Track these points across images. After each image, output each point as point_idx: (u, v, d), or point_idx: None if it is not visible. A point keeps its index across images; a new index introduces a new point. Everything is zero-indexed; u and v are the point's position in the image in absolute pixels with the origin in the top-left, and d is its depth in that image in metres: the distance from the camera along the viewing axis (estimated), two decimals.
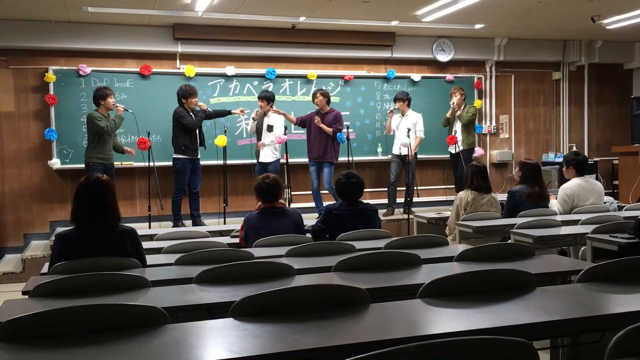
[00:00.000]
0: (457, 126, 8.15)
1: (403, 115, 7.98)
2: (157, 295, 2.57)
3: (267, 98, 7.36)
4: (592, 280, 2.52)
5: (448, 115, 8.25)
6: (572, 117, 9.91)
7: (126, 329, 2.00)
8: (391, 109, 8.05)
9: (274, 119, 7.42)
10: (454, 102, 8.09)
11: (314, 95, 7.60)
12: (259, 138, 7.45)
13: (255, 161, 7.60)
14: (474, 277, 2.46)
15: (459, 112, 8.09)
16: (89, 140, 6.73)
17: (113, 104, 6.73)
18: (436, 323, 2.17)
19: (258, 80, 8.19)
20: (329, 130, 7.43)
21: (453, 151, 8.17)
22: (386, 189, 8.27)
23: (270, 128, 7.37)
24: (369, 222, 4.31)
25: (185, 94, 7.01)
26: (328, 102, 7.59)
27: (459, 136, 8.11)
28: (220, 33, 7.77)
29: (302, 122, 7.74)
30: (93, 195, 3.17)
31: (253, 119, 7.51)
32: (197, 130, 7.14)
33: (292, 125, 8.14)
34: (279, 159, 7.49)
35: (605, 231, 3.98)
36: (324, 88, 7.92)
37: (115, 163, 7.39)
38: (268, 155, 7.40)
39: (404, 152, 7.73)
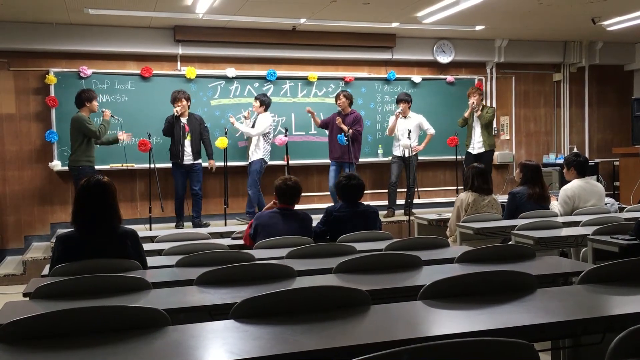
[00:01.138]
0: (477, 127, 8.02)
1: (405, 117, 7.97)
2: (158, 296, 2.57)
3: (262, 101, 7.45)
4: (593, 282, 2.52)
5: (466, 115, 8.05)
6: (573, 118, 9.91)
7: (127, 330, 2.00)
8: (398, 111, 7.94)
9: (261, 120, 7.48)
10: (473, 102, 7.92)
11: (337, 97, 7.64)
12: (249, 138, 7.56)
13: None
14: (474, 279, 2.46)
15: (479, 113, 7.95)
16: (76, 142, 6.62)
17: (97, 107, 6.74)
18: (437, 324, 2.16)
19: (259, 82, 8.19)
20: (349, 131, 7.48)
21: (473, 152, 7.99)
22: (386, 191, 8.26)
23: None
24: (369, 223, 4.31)
25: (170, 100, 7.23)
26: (350, 103, 7.66)
27: (480, 137, 7.95)
28: (220, 35, 7.78)
29: (325, 124, 7.78)
30: (94, 197, 3.17)
31: (245, 117, 7.56)
32: (193, 140, 7.21)
33: (293, 126, 8.19)
34: (261, 158, 7.48)
35: (606, 232, 3.98)
36: (348, 91, 7.91)
37: (116, 165, 7.43)
38: (251, 154, 7.51)
39: (406, 153, 7.74)
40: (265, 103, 7.48)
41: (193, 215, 7.34)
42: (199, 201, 7.39)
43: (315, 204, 7.94)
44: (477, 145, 8.00)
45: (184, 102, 7.14)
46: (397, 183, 8.09)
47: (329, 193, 7.88)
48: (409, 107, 7.96)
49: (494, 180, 8.78)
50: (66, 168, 7.31)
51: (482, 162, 6.50)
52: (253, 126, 7.53)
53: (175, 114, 7.10)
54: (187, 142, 7.18)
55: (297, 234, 4.00)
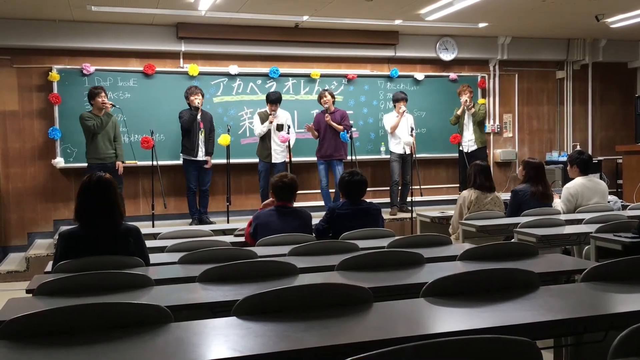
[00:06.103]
0: (469, 125, 8.02)
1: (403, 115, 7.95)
2: (160, 293, 2.58)
3: (279, 100, 7.42)
4: (595, 280, 2.52)
5: (459, 112, 8.06)
6: (576, 116, 9.88)
7: (130, 327, 2.00)
8: (403, 109, 7.88)
9: (282, 119, 7.49)
10: (466, 100, 7.93)
11: (322, 95, 7.61)
12: (268, 139, 7.44)
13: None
14: (477, 276, 2.46)
15: (472, 110, 7.96)
16: (86, 141, 6.81)
17: (102, 103, 6.71)
18: (439, 322, 2.16)
19: (261, 79, 8.19)
20: (340, 127, 7.51)
21: (466, 150, 7.99)
22: (388, 188, 8.25)
23: (280, 127, 7.46)
24: (372, 221, 4.30)
25: (186, 94, 7.22)
26: (334, 102, 7.68)
27: (473, 135, 7.96)
28: (223, 32, 7.78)
29: (317, 131, 7.74)
30: (96, 194, 3.17)
31: (270, 122, 7.39)
32: (205, 136, 7.25)
33: (296, 123, 8.20)
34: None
35: (609, 230, 3.97)
36: (327, 87, 7.94)
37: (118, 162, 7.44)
38: (280, 154, 7.49)
39: (407, 150, 7.74)
40: (280, 101, 7.46)
41: (200, 210, 7.41)
42: (207, 198, 7.47)
43: (317, 201, 7.94)
44: (469, 143, 8.01)
45: (201, 97, 7.16)
46: (399, 181, 8.09)
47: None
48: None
49: (497, 178, 8.77)
50: (69, 165, 7.39)
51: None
52: (280, 129, 7.46)
53: (198, 105, 7.08)
54: (202, 138, 7.22)
55: (296, 232, 4.00)
